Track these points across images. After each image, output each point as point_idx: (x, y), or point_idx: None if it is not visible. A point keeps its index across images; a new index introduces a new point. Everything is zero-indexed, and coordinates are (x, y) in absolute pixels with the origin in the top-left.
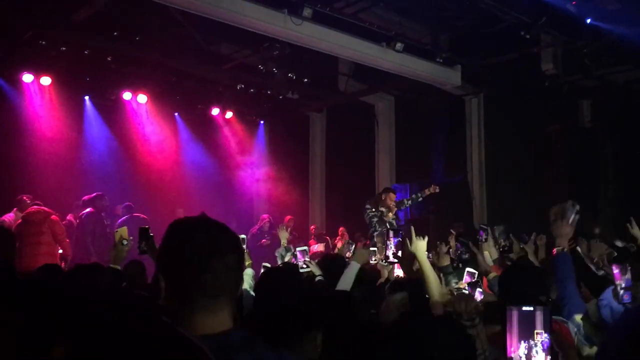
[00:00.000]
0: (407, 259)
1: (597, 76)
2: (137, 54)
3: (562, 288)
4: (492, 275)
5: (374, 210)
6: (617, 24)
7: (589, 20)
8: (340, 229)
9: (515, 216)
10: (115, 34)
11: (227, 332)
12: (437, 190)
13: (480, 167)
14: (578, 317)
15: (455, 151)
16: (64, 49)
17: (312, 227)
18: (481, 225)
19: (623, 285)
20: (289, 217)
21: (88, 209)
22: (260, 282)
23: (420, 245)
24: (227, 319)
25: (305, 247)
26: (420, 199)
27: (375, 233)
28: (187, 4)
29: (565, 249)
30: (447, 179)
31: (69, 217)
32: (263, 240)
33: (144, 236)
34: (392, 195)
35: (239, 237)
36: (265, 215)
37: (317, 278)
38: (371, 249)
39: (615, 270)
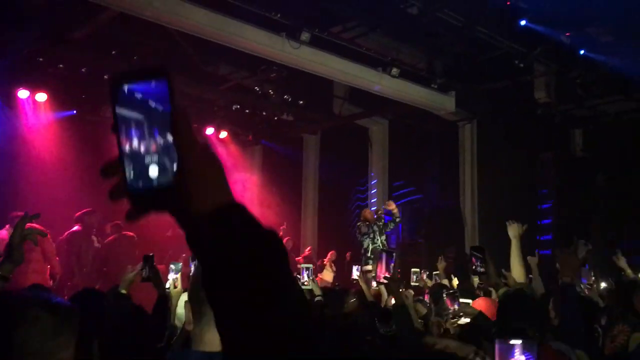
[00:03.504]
0: (395, 282)
1: (589, 106)
2: None
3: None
4: (502, 290)
5: (361, 228)
6: (610, 55)
7: (582, 52)
8: (330, 252)
9: (506, 241)
10: (113, 52)
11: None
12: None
13: (473, 193)
14: (580, 354)
15: (448, 176)
16: (61, 66)
17: (308, 249)
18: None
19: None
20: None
21: (75, 227)
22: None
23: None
24: None
25: (310, 265)
26: (398, 218)
27: (364, 248)
28: (188, 26)
29: (573, 282)
30: (440, 203)
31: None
32: None
33: (148, 263)
34: (367, 210)
35: None
36: None
37: (317, 298)
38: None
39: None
